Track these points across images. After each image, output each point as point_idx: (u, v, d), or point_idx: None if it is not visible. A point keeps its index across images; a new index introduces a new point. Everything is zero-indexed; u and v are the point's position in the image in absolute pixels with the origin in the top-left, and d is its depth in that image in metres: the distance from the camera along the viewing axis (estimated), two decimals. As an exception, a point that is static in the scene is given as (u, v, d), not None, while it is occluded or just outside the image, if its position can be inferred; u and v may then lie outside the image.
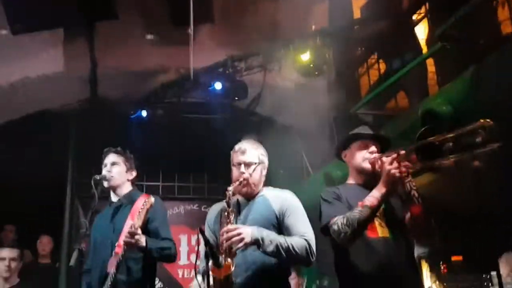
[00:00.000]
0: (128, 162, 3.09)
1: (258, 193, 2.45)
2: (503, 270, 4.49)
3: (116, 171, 3.00)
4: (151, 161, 6.46)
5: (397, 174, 2.06)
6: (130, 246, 2.65)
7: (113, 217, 2.96)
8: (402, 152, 2.09)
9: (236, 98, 5.57)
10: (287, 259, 2.24)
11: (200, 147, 6.36)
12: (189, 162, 6.72)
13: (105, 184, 2.96)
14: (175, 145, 6.45)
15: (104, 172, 3.00)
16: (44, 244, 5.56)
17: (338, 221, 2.15)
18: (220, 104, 5.96)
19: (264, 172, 2.48)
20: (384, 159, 2.20)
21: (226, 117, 6.30)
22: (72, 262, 2.50)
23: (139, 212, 2.68)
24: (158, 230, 2.88)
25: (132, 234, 2.61)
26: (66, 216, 5.99)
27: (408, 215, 2.28)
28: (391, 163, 2.09)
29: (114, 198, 3.06)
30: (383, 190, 2.09)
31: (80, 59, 5.45)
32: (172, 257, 2.92)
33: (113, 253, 2.74)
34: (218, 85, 5.28)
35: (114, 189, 3.03)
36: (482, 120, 1.87)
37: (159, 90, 5.87)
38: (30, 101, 5.78)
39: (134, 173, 3.11)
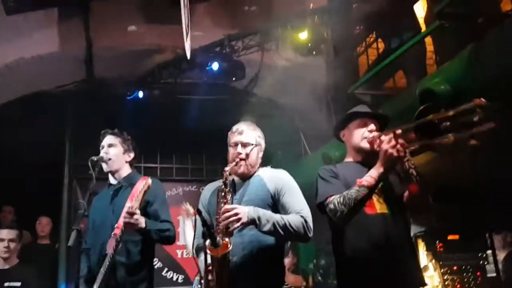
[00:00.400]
0: (125, 143, 3.09)
1: (253, 173, 2.47)
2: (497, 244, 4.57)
3: (113, 152, 3.00)
4: (148, 143, 6.45)
5: (395, 154, 2.05)
6: (130, 226, 2.66)
7: (112, 199, 2.98)
8: (399, 131, 2.08)
9: (234, 79, 5.52)
10: (285, 237, 2.28)
11: (198, 129, 6.33)
12: (187, 143, 6.72)
13: (104, 167, 2.97)
14: (172, 126, 6.43)
15: (101, 153, 2.99)
16: (43, 225, 5.60)
17: (334, 200, 2.17)
18: (218, 84, 5.92)
19: (261, 154, 2.51)
20: (382, 138, 2.19)
21: (223, 98, 6.27)
22: (71, 242, 2.52)
23: (137, 194, 2.68)
24: (158, 212, 2.90)
25: (131, 214, 2.62)
26: (64, 197, 6.01)
27: (406, 193, 2.29)
28: (388, 142, 2.08)
29: (113, 180, 3.06)
30: (381, 169, 2.10)
31: (75, 39, 5.38)
32: (171, 239, 2.93)
33: (112, 234, 2.76)
34: (215, 66, 5.22)
35: (113, 173, 3.03)
36: (477, 100, 1.86)
37: (156, 71, 5.81)
38: (25, 82, 5.73)
39: (132, 155, 3.11)
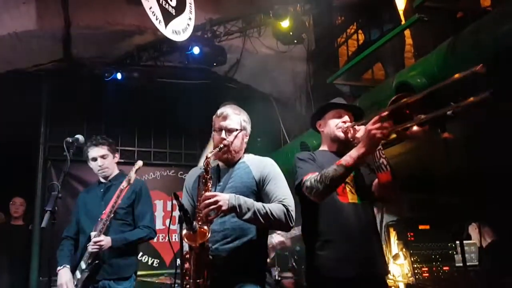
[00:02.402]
0: (112, 148, 3.46)
1: (238, 160, 2.44)
2: (474, 236, 4.69)
3: (108, 162, 3.40)
4: (126, 126, 6.39)
5: (378, 135, 2.03)
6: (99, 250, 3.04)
7: (104, 196, 3.32)
8: (384, 113, 2.05)
9: (214, 64, 5.48)
10: (266, 225, 2.25)
11: (177, 113, 6.30)
12: (165, 127, 6.68)
13: (102, 176, 3.39)
14: (151, 110, 6.39)
15: (96, 166, 3.37)
16: (17, 206, 5.56)
17: (311, 178, 2.22)
18: (198, 69, 5.88)
19: (246, 139, 2.47)
20: (356, 127, 2.25)
21: (203, 83, 6.24)
22: (44, 223, 2.56)
23: (130, 174, 3.07)
24: (140, 216, 3.28)
25: (97, 243, 3.01)
26: (38, 178, 5.91)
27: (375, 182, 2.36)
28: (373, 124, 2.06)
29: (102, 179, 3.42)
30: (362, 150, 2.09)
31: (53, 17, 5.24)
32: (146, 241, 3.32)
33: (100, 219, 3.13)
34: (196, 50, 5.17)
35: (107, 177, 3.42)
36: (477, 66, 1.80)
37: (135, 53, 5.73)
38: (1, 60, 5.58)
39: (117, 155, 3.53)
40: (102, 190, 3.37)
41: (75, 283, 3.07)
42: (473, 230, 4.65)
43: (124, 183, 3.03)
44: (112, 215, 3.06)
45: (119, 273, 3.14)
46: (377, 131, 2.03)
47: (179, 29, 4.48)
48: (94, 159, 3.37)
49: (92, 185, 3.56)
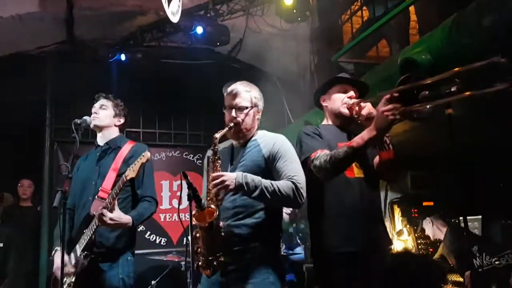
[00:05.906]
0: (117, 108, 3.15)
1: (251, 137, 2.41)
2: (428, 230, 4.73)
3: (103, 114, 3.08)
4: (131, 107, 6.32)
5: (391, 117, 1.97)
6: (117, 226, 2.71)
7: (98, 161, 3.01)
8: (396, 94, 1.98)
9: (218, 44, 5.46)
10: (275, 202, 2.24)
11: (181, 93, 6.32)
12: (170, 108, 6.69)
13: (91, 124, 3.01)
14: (155, 91, 6.39)
15: (92, 115, 3.06)
16: (25, 187, 5.61)
17: (321, 158, 2.21)
18: (201, 49, 5.86)
19: (258, 116, 2.43)
20: (362, 104, 2.27)
21: (207, 63, 6.23)
22: (56, 203, 2.55)
23: (135, 164, 2.65)
24: (145, 186, 2.96)
25: (102, 217, 2.60)
26: (46, 160, 5.97)
27: (376, 159, 2.39)
28: (385, 105, 1.98)
29: (100, 141, 3.10)
30: (374, 132, 2.05)
31: (56, -1, 5.24)
32: (152, 215, 3.01)
33: (96, 197, 2.80)
34: (199, 30, 5.15)
35: (100, 129, 3.08)
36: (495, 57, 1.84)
37: (138, 33, 5.70)
38: (4, 42, 5.58)
39: (122, 120, 3.17)
40: (98, 154, 3.05)
41: (68, 270, 2.73)
42: (427, 224, 4.69)
43: (128, 173, 2.62)
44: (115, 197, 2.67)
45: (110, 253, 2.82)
46: (389, 113, 1.96)
47: (174, 11, 4.52)
48: (94, 108, 3.11)
49: (91, 149, 3.18)
